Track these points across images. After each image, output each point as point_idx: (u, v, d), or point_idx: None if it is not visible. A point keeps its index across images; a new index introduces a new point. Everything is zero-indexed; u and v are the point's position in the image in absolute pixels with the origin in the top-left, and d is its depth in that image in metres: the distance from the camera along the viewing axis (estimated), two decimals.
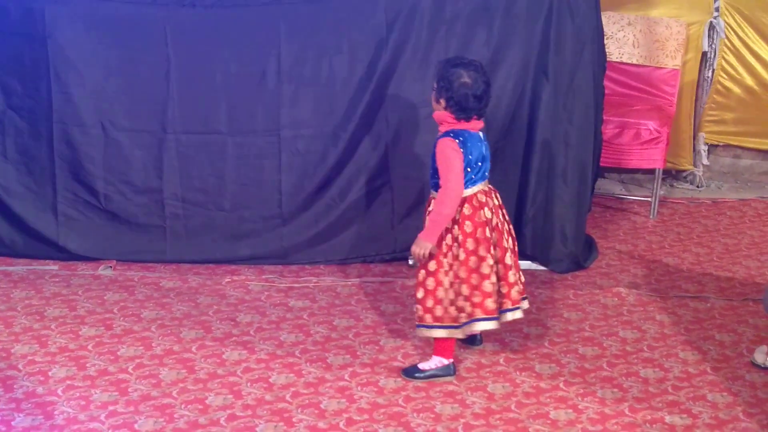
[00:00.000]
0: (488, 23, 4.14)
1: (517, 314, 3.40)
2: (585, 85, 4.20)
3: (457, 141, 3.24)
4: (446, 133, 3.27)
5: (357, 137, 4.26)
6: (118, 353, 3.54)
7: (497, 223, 3.36)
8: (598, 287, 4.22)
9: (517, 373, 3.45)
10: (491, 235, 3.32)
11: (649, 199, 5.29)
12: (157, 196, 4.30)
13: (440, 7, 4.13)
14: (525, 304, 3.46)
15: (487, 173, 3.35)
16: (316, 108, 4.22)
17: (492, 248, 3.32)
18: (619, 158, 5.18)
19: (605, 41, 4.81)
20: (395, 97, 4.21)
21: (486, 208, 3.32)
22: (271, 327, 3.78)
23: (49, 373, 3.37)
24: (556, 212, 4.31)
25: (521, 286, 3.42)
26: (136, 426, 3.06)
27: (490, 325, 3.35)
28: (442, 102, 3.26)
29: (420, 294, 3.34)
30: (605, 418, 3.15)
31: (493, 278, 3.31)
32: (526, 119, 4.24)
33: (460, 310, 3.31)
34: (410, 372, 3.42)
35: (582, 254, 4.44)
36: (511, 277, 3.37)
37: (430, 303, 3.32)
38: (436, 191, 3.30)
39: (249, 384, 3.33)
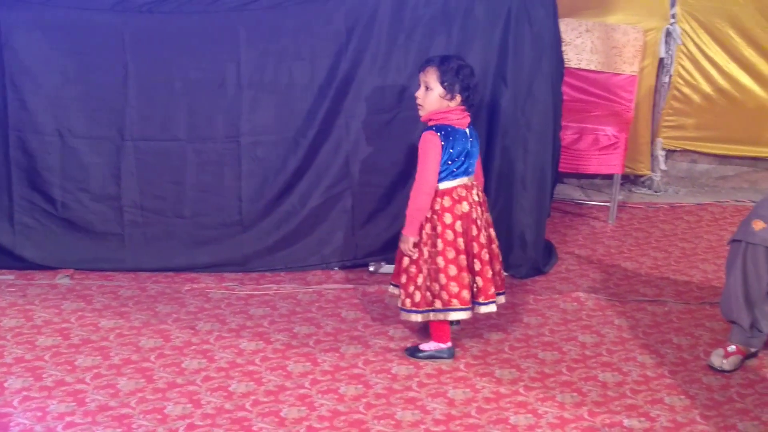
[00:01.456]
0: (447, 30, 4.15)
1: (491, 308, 3.54)
2: (543, 92, 4.23)
3: (439, 134, 3.39)
4: (430, 128, 3.44)
5: (317, 144, 4.25)
6: (76, 363, 3.50)
7: (476, 218, 3.49)
8: (557, 292, 4.24)
9: (478, 378, 3.46)
10: (469, 228, 3.46)
11: (607, 204, 5.34)
12: (116, 203, 4.26)
13: (399, 14, 4.14)
14: (501, 299, 3.61)
15: (471, 169, 3.50)
16: (276, 114, 4.21)
17: (470, 242, 3.47)
18: (577, 164, 5.21)
19: (563, 47, 4.84)
20: (355, 103, 4.21)
21: (465, 202, 3.46)
22: (231, 335, 3.76)
23: (5, 384, 3.33)
24: (515, 218, 4.33)
25: (499, 282, 3.59)
26: None
27: (463, 315, 3.51)
28: (458, 96, 3.43)
29: (403, 279, 3.51)
30: (564, 422, 3.17)
31: (475, 267, 3.48)
32: (486, 125, 4.26)
33: (437, 296, 3.46)
34: (413, 351, 3.60)
35: (541, 259, 4.46)
36: (488, 272, 3.50)
37: (411, 289, 3.48)
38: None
39: (209, 393, 3.31)
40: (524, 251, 4.36)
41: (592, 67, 5.50)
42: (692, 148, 5.81)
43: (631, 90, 5.47)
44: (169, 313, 3.94)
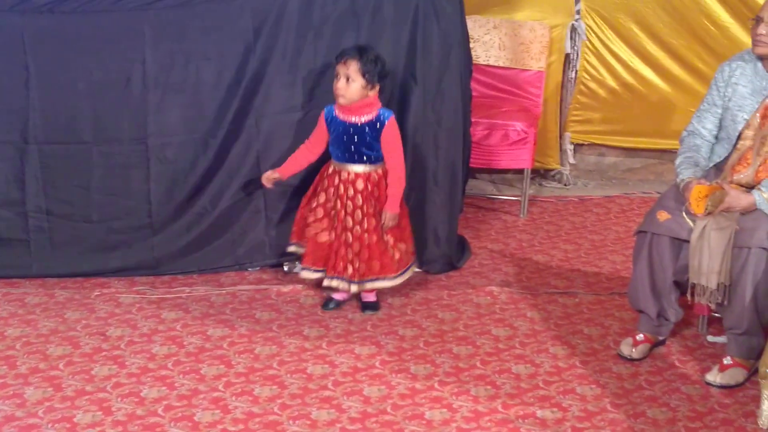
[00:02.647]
0: (356, 27, 4.13)
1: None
2: (453, 88, 4.25)
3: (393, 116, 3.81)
4: (386, 111, 3.80)
5: (227, 144, 4.20)
6: None
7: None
8: (471, 287, 4.27)
9: (393, 375, 3.46)
10: None
11: (519, 198, 5.40)
12: (20, 209, 4.14)
13: (308, 11, 4.11)
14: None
15: None
16: (184, 115, 4.14)
17: None
18: (488, 159, 5.27)
19: (471, 44, 4.88)
20: (265, 103, 4.17)
21: None
22: (143, 340, 3.69)
23: None
24: (428, 214, 4.34)
25: None
26: None
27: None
28: (377, 86, 3.75)
29: (397, 255, 3.91)
30: (479, 415, 3.19)
31: None
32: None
33: (413, 252, 4.06)
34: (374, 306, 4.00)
35: (455, 255, 4.49)
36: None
37: (386, 259, 3.88)
38: (371, 165, 3.82)
39: (119, 399, 3.24)
40: (438, 247, 4.38)
41: (501, 64, 5.55)
42: (600, 142, 5.91)
43: (539, 86, 5.54)
44: (78, 319, 3.85)
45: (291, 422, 3.13)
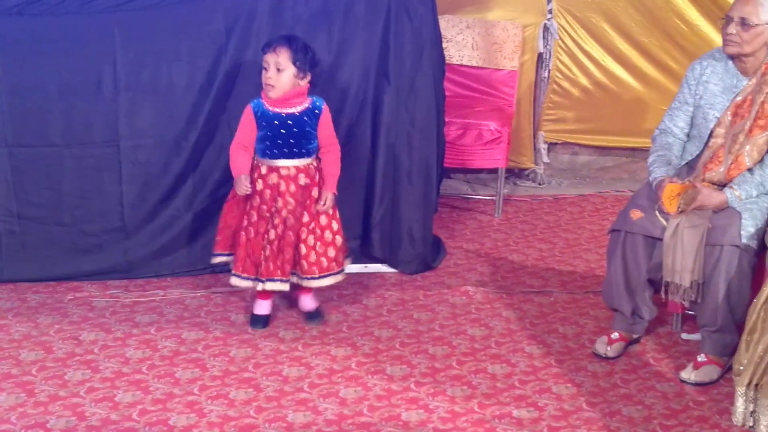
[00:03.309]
0: (328, 27, 4.12)
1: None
2: (426, 88, 4.25)
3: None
4: (317, 99, 3.71)
5: (200, 146, 4.18)
6: None
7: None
8: (446, 287, 4.27)
9: (369, 376, 3.45)
10: None
11: (493, 197, 5.41)
12: None
13: (279, 12, 4.09)
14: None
15: None
16: (156, 117, 4.11)
17: None
18: (463, 159, 5.27)
19: (445, 44, 4.88)
20: (238, 104, 4.12)
21: None
22: (117, 344, 3.66)
23: None
24: (403, 214, 4.34)
25: None
26: None
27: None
28: (309, 75, 3.65)
29: (339, 241, 3.80)
30: (455, 416, 3.19)
31: None
32: (370, 122, 4.26)
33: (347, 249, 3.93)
34: (318, 316, 3.91)
35: (430, 254, 4.49)
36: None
37: (331, 252, 3.80)
38: (310, 158, 3.72)
39: (93, 404, 3.21)
40: (413, 247, 4.38)
41: (474, 63, 5.56)
42: (573, 141, 5.93)
43: (513, 85, 5.55)
44: (51, 323, 3.82)
45: (267, 425, 3.11)
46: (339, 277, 3.82)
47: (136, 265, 4.25)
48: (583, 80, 5.73)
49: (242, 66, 4.11)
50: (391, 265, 4.42)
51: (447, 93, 4.62)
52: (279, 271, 3.70)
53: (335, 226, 3.80)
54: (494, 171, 5.45)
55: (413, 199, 4.32)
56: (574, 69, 5.71)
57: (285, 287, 3.73)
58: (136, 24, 4.04)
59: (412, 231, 4.36)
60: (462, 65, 5.55)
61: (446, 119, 4.70)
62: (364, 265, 4.41)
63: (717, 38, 5.37)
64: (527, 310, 4.04)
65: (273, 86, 3.59)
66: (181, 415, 3.16)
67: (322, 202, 3.73)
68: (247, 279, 3.74)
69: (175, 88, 4.08)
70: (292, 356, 3.58)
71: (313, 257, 3.74)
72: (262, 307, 3.82)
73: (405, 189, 4.30)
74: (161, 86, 4.07)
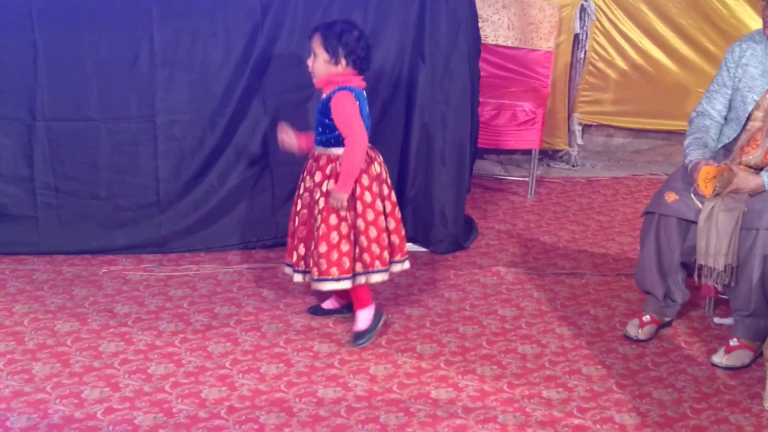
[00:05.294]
0: (364, 6, 4.12)
1: (406, 265, 3.61)
2: (461, 68, 4.23)
3: (353, 94, 3.38)
4: (341, 88, 3.40)
5: (235, 122, 4.20)
6: None
7: (385, 178, 3.54)
8: (477, 267, 4.27)
9: (399, 354, 3.46)
10: (381, 189, 3.50)
11: (526, 179, 5.39)
12: (28, 185, 4.15)
13: None
14: (407, 264, 3.64)
15: (369, 131, 3.50)
16: (191, 93, 4.14)
17: (383, 202, 3.51)
18: (496, 139, 5.25)
19: (480, 24, 4.86)
20: (272, 81, 4.17)
21: (375, 163, 3.49)
22: (150, 317, 3.70)
23: None
24: (435, 194, 4.34)
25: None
26: (8, 423, 2.95)
27: (384, 277, 3.53)
28: (343, 61, 3.40)
29: (323, 249, 3.41)
30: (485, 395, 3.20)
31: (389, 226, 3.53)
32: (404, 102, 4.26)
33: (357, 260, 3.46)
34: (357, 339, 3.52)
35: (462, 235, 4.48)
36: (402, 230, 3.57)
37: (335, 256, 3.41)
38: (325, 148, 3.44)
39: (126, 375, 3.25)
40: (445, 227, 4.38)
41: (509, 44, 5.53)
42: (608, 123, 5.89)
43: (548, 66, 5.51)
44: (86, 296, 3.86)
45: (297, 400, 3.14)
46: (338, 285, 3.46)
47: (169, 240, 4.29)
48: (620, 62, 5.68)
49: (277, 44, 4.13)
50: (423, 245, 4.42)
51: (482, 73, 4.61)
52: (302, 263, 3.53)
53: (344, 229, 3.41)
54: (528, 152, 5.43)
55: (446, 179, 4.32)
56: (611, 50, 5.67)
57: (298, 279, 3.56)
58: (173, 1, 4.06)
59: (445, 211, 4.36)
60: (497, 45, 5.52)
61: (480, 99, 4.68)
62: None
63: (755, 21, 5.31)
64: (558, 292, 4.03)
65: (311, 72, 3.48)
66: (213, 389, 3.19)
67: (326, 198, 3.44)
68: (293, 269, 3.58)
69: (211, 64, 4.11)
70: (323, 332, 3.60)
71: (315, 257, 3.45)
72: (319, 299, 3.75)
73: (438, 169, 4.30)
74: (197, 62, 4.10)
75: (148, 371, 3.29)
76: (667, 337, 3.64)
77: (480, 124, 4.74)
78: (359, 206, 3.44)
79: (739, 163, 3.48)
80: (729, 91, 3.66)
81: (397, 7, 4.13)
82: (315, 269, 3.45)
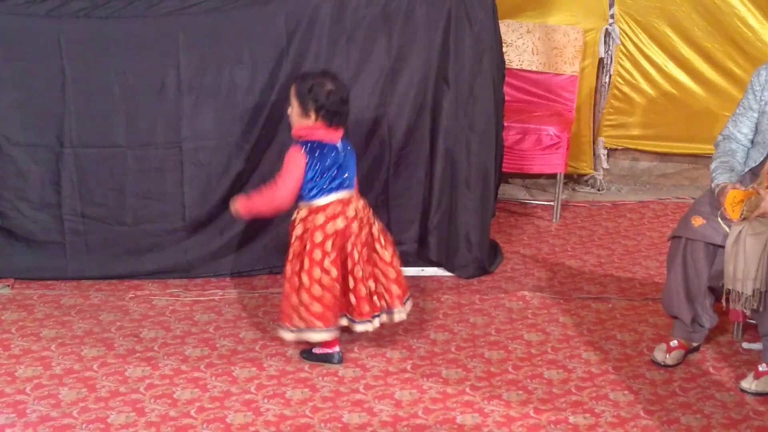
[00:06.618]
0: (388, 32, 4.14)
1: (366, 326, 3.54)
2: (485, 92, 4.24)
3: (303, 148, 3.41)
4: (296, 142, 3.43)
5: (260, 147, 4.22)
6: (16, 374, 3.43)
7: (352, 234, 3.47)
8: (503, 291, 4.26)
9: (424, 379, 3.45)
10: (344, 245, 3.45)
11: (551, 203, 5.37)
12: (56, 211, 4.18)
13: (340, 16, 4.12)
14: (408, 305, 3.64)
15: (348, 183, 3.47)
16: (217, 119, 4.16)
17: (345, 259, 3.46)
18: (521, 164, 5.25)
19: (505, 49, 4.87)
20: None
21: (341, 218, 3.44)
22: (176, 342, 3.71)
23: None
24: (460, 218, 4.33)
25: (400, 290, 3.59)
26: None
27: (324, 336, 3.47)
28: (312, 115, 3.41)
29: (294, 300, 3.45)
30: (511, 420, 3.18)
31: (336, 290, 3.44)
32: (428, 127, 4.27)
33: (299, 316, 3.42)
34: (306, 351, 3.59)
35: (487, 259, 4.47)
36: (361, 290, 3.48)
37: (284, 305, 3.46)
38: (299, 202, 3.47)
39: (152, 400, 3.26)
40: (470, 251, 4.37)
41: (534, 68, 5.53)
42: (633, 147, 5.87)
43: (573, 90, 5.51)
44: (113, 321, 3.88)
45: (323, 425, 3.13)
46: (284, 334, 3.49)
47: (195, 265, 4.31)
48: (645, 86, 5.67)
49: (303, 69, 4.14)
50: (448, 269, 4.41)
51: (506, 97, 4.61)
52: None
53: (305, 279, 3.41)
54: (553, 176, 5.41)
55: (471, 204, 4.32)
56: (636, 74, 5.65)
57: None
58: (200, 27, 4.10)
59: (470, 235, 4.35)
60: (522, 70, 5.53)
61: (505, 124, 4.69)
62: (420, 268, 4.42)
63: None
64: (584, 316, 4.01)
65: (290, 121, 3.52)
66: (238, 414, 3.19)
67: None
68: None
69: (236, 91, 4.14)
70: (348, 357, 3.60)
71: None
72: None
73: (463, 193, 4.30)
74: (223, 89, 4.13)
75: (174, 396, 3.30)
76: (695, 363, 3.61)
77: (505, 148, 4.74)
78: (306, 263, 3.41)
79: (767, 187, 3.46)
80: (755, 114, 3.65)
81: (422, 32, 4.15)
82: (284, 318, 3.48)
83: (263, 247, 4.34)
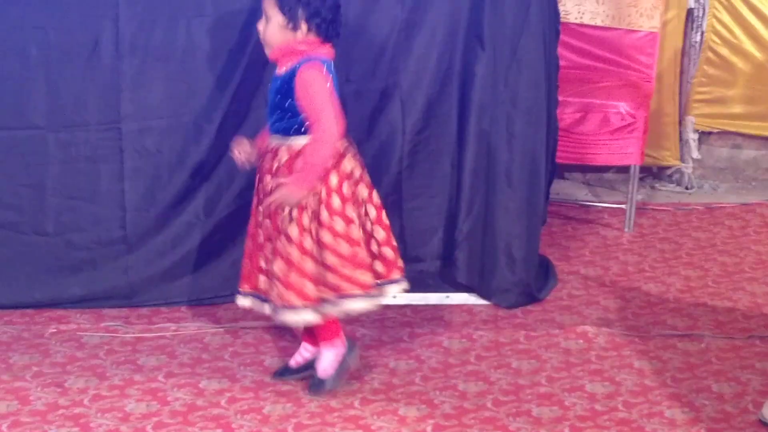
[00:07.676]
0: None
1: (404, 284, 3.72)
2: (533, 56, 4.25)
3: (324, 66, 3.48)
4: (307, 59, 3.47)
5: (227, 131, 4.23)
6: None
7: (362, 175, 3.61)
8: (557, 326, 4.27)
9: None
10: (355, 191, 3.56)
11: (623, 206, 5.38)
12: None
13: None
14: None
15: None
16: (169, 91, 4.20)
17: (362, 206, 3.59)
18: (582, 152, 5.26)
19: None
20: None
21: (348, 157, 3.56)
22: (114, 394, 3.72)
23: None
24: (498, 226, 4.35)
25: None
26: None
27: (365, 304, 3.59)
28: (303, 26, 3.46)
29: (278, 269, 3.50)
30: None
31: (377, 235, 3.61)
32: (456, 102, 4.29)
33: (326, 285, 3.50)
34: (317, 388, 3.66)
35: (535, 282, 4.48)
36: (393, 240, 3.65)
37: (294, 278, 3.47)
38: (283, 136, 3.52)
39: None
40: (512, 271, 4.38)
41: (599, 23, 5.55)
42: (734, 129, 5.89)
43: (651, 52, 5.53)
44: (28, 365, 3.89)
45: None
46: (298, 316, 3.55)
47: (139, 289, 4.34)
48: (749, 46, 5.68)
49: None
50: (482, 296, 4.43)
51: (561, 63, 4.62)
52: (246, 285, 3.70)
53: (307, 243, 3.50)
54: (624, 170, 5.42)
55: (513, 206, 4.33)
56: (737, 31, 5.67)
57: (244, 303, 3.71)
58: None
59: (512, 249, 4.36)
60: (582, 25, 5.55)
61: (560, 98, 4.70)
62: (445, 294, 4.43)
63: None
64: (668, 360, 4.01)
65: (263, 40, 3.55)
66: None
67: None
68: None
69: (195, 53, 4.16)
70: (347, 415, 3.60)
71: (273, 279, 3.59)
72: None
73: (502, 192, 4.31)
74: (177, 50, 4.16)
75: None
76: None
77: (560, 131, 4.75)
78: (324, 214, 3.48)
79: None
80: None
81: None
82: (275, 295, 3.52)
83: (231, 266, 4.34)
